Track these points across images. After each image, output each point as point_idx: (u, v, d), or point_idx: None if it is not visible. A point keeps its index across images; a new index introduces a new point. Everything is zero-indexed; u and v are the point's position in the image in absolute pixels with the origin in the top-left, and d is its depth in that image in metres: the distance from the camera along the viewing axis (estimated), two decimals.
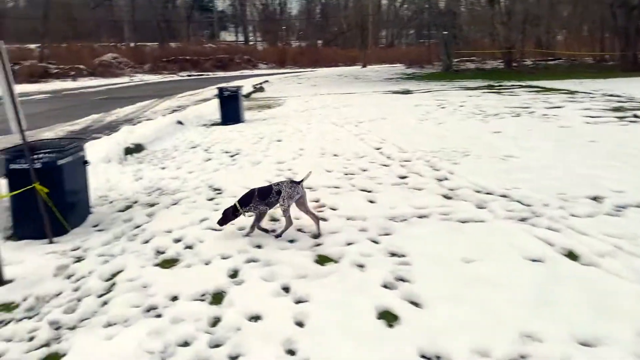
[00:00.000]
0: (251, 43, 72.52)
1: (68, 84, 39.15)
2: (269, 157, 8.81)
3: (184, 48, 54.68)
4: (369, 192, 6.32)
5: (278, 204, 4.65)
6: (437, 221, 5.12)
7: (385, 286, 3.77)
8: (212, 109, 17.37)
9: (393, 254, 4.35)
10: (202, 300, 3.76)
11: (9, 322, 3.68)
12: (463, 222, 5.07)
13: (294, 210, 4.73)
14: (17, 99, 5.35)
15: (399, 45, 70.86)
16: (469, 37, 44.02)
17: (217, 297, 3.77)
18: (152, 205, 6.41)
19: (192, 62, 49.84)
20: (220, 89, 14.52)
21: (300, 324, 3.33)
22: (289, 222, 4.67)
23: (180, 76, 47.45)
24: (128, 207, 6.45)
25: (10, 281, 4.46)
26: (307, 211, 4.75)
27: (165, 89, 30.74)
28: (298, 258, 4.31)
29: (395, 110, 15.08)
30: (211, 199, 6.38)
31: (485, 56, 42.35)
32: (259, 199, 4.66)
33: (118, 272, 4.37)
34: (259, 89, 27.61)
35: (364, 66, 49.25)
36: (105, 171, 8.49)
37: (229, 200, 6.23)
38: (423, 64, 42.49)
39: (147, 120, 15.62)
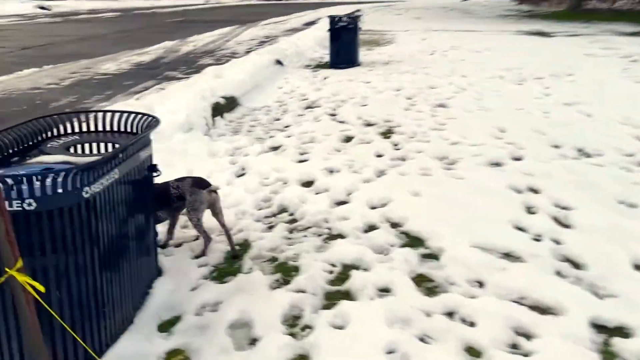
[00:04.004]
0: None
1: (140, 1, 35.93)
2: (460, 146, 5.03)
3: None
4: None
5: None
6: None
7: None
8: (311, 44, 13.68)
9: None
10: None
11: None
12: None
13: None
14: None
15: None
16: None
17: None
18: (284, 267, 2.90)
19: None
20: (333, 19, 10.59)
21: None
22: (206, 238, 3.25)
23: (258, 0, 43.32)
24: (230, 265, 2.97)
25: None
26: (221, 224, 3.32)
27: (245, 14, 26.96)
28: None
29: (567, 61, 10.69)
30: (419, 278, 2.74)
31: None
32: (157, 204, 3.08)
33: None
34: None
35: None
36: (184, 152, 5.00)
37: (455, 272, 2.60)
38: (538, 0, 36.38)
39: (232, 54, 12.05)
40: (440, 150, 4.90)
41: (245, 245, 3.37)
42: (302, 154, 5.08)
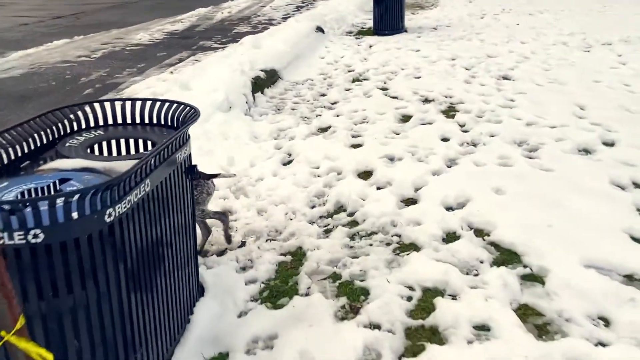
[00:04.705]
0: None
1: None
2: (538, 127, 4.36)
3: None
4: None
5: None
6: None
7: None
8: (352, 8, 12.88)
9: None
10: None
11: None
12: None
13: None
14: None
15: None
16: None
17: None
18: (350, 289, 2.40)
19: None
20: None
21: None
22: (205, 233, 2.93)
23: None
24: (283, 281, 2.46)
25: None
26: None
27: None
28: None
29: (634, 24, 9.65)
30: (524, 311, 2.16)
31: None
32: None
33: None
34: None
35: None
36: (224, 136, 4.47)
37: (570, 303, 2.01)
38: None
39: (269, 21, 11.40)
40: (516, 133, 4.24)
41: (300, 254, 2.85)
42: (355, 136, 4.50)
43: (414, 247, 2.77)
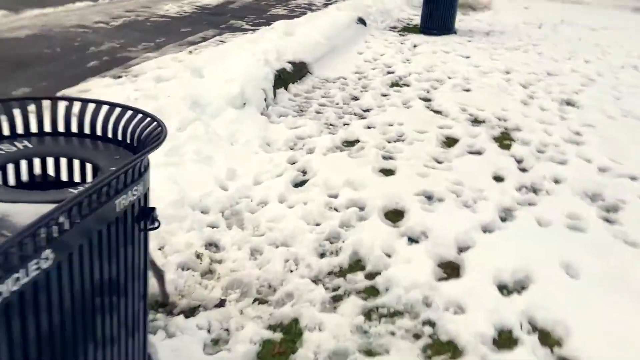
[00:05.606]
0: None
1: None
2: (614, 176, 3.53)
3: None
4: None
5: None
6: None
7: None
8: (398, 1, 11.94)
9: None
10: None
11: None
12: None
13: None
14: None
15: None
16: None
17: None
18: None
19: None
20: None
21: None
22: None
23: None
24: None
25: None
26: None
27: None
28: None
29: None
30: None
31: None
32: None
33: None
34: None
35: None
36: (231, 139, 3.71)
37: None
38: None
39: (309, 4, 10.58)
40: (587, 181, 3.38)
41: (294, 332, 2.08)
42: (386, 158, 3.71)
43: (453, 349, 1.97)
